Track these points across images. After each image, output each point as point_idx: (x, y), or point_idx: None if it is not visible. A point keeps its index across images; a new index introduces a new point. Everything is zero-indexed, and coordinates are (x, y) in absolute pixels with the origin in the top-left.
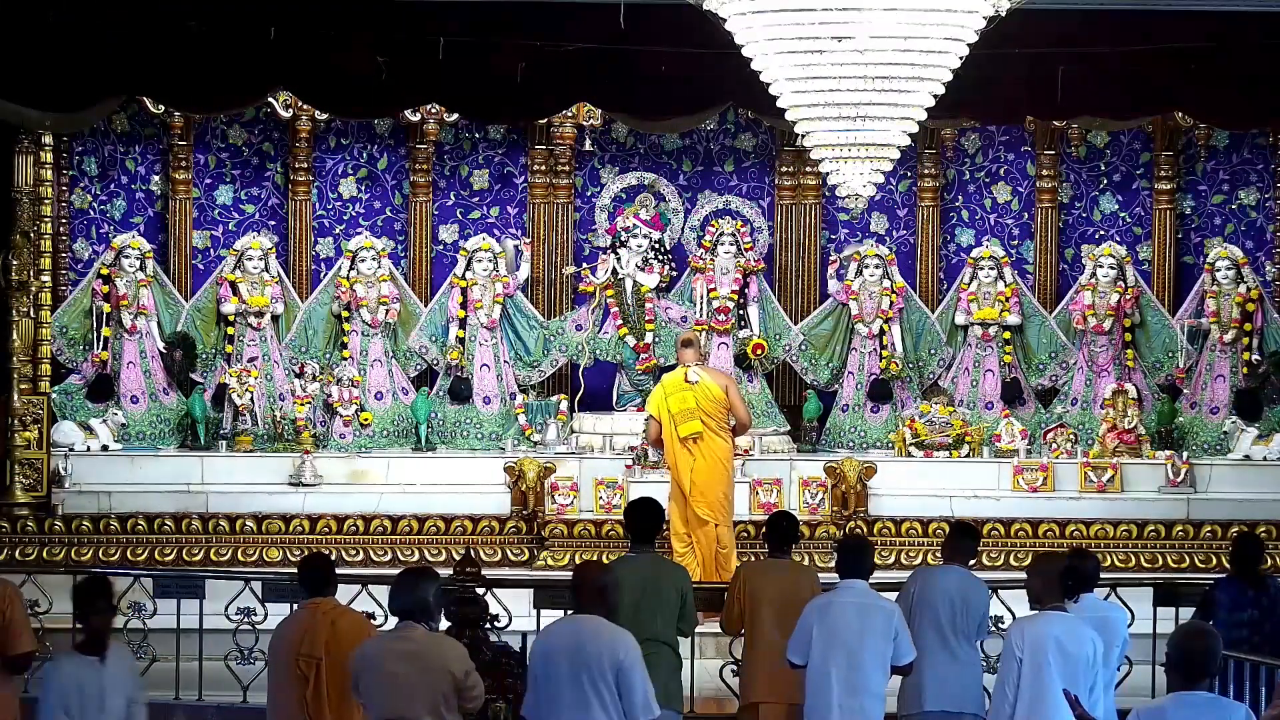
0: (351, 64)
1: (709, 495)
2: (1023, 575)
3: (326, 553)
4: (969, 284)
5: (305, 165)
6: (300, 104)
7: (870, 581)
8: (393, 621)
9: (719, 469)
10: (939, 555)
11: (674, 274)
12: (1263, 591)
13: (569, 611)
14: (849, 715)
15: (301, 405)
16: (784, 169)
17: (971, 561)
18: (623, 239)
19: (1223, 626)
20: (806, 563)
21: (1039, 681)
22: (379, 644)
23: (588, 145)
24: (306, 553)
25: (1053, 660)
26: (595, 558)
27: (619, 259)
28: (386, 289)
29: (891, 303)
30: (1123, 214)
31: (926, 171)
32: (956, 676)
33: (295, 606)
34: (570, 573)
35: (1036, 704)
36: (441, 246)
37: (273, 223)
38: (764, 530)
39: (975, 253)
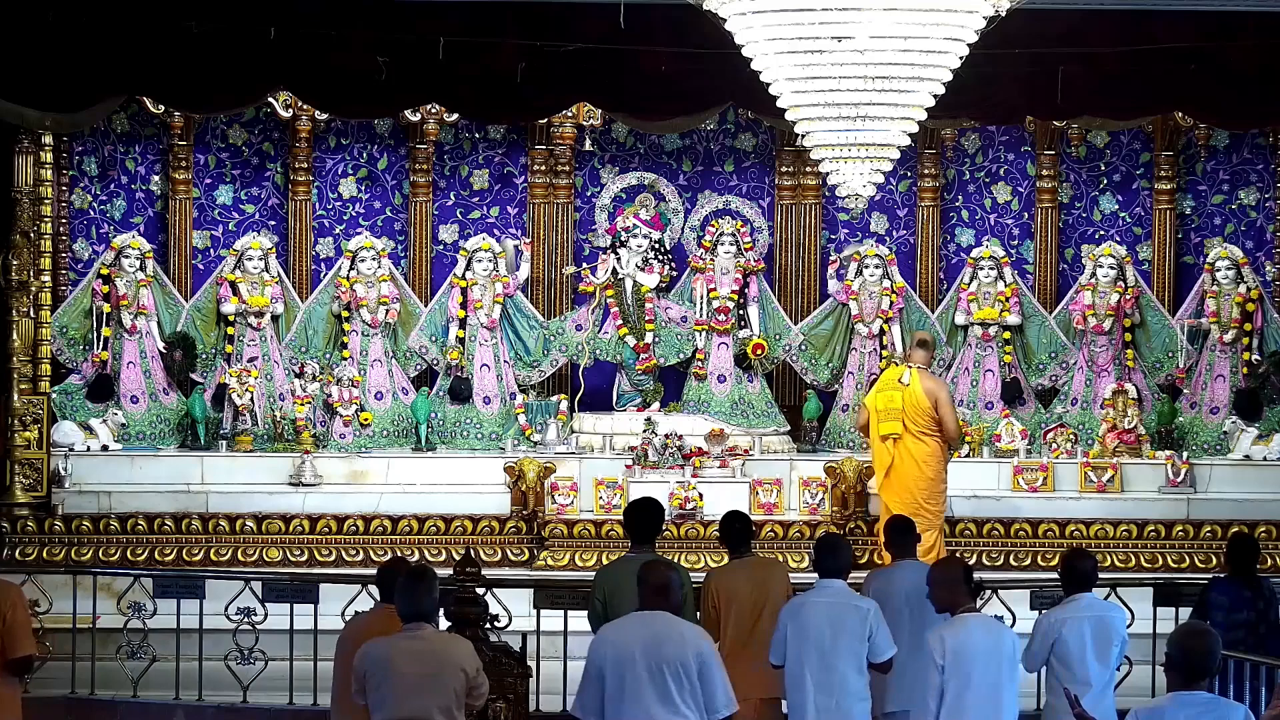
0: (351, 64)
1: (901, 495)
2: (1023, 576)
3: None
4: (969, 284)
5: (305, 165)
6: (300, 104)
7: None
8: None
9: (915, 471)
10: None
11: (674, 274)
12: (1258, 592)
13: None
14: (825, 715)
15: (301, 405)
16: (784, 169)
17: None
18: (623, 239)
19: (1221, 628)
20: (775, 559)
21: (963, 686)
22: (388, 644)
23: (588, 145)
24: (389, 555)
25: (976, 664)
26: (595, 558)
27: (619, 259)
28: (386, 289)
29: (891, 303)
30: (1123, 214)
31: (926, 171)
32: (917, 676)
33: (369, 608)
34: (572, 573)
35: (959, 709)
36: (441, 246)
37: (273, 223)
38: (719, 535)
39: (975, 253)
